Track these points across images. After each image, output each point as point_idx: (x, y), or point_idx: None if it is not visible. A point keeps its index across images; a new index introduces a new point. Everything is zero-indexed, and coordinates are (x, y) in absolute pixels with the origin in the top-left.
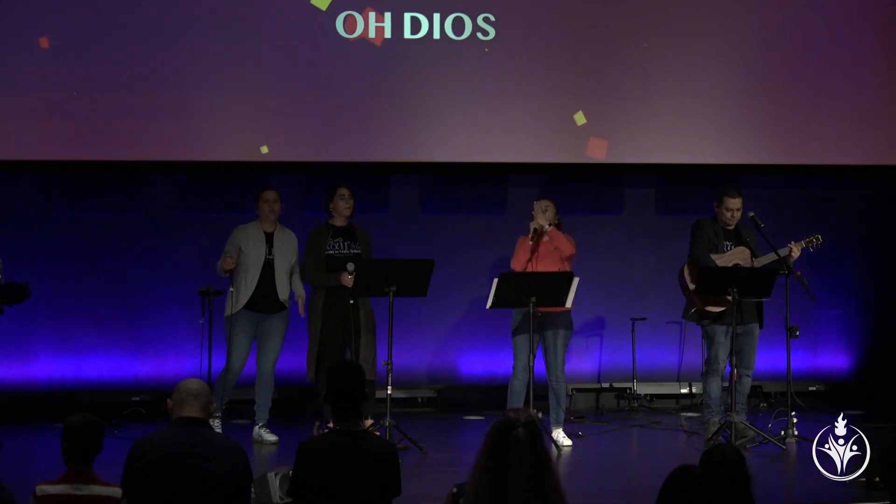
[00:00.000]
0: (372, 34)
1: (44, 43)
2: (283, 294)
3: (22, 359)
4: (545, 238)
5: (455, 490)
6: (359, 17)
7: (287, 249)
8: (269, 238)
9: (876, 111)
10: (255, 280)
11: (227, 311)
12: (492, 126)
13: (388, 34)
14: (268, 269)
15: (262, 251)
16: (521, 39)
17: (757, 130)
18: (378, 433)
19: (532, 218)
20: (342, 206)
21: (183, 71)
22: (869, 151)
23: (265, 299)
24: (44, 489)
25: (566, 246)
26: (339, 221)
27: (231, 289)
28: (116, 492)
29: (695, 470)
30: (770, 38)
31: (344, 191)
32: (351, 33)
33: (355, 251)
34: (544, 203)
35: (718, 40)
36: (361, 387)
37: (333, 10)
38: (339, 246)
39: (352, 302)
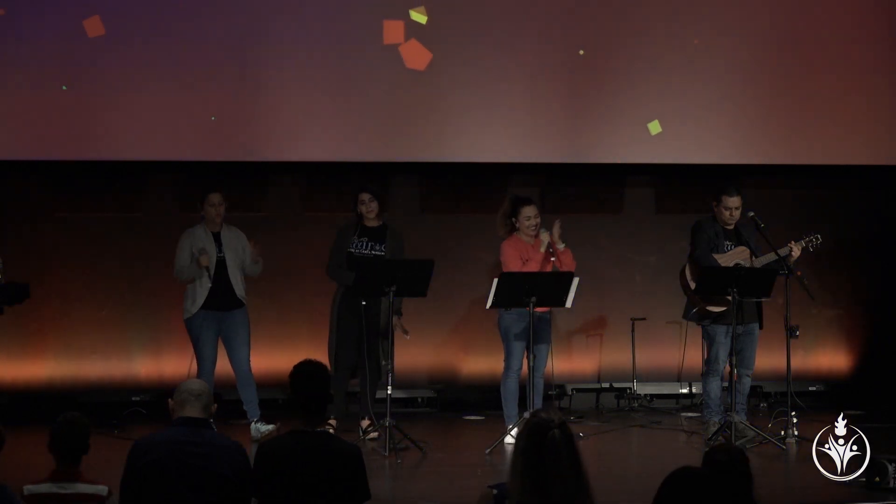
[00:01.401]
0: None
1: (94, 28)
2: (238, 290)
3: (22, 359)
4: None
5: (495, 492)
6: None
7: (236, 246)
8: (217, 237)
9: (876, 112)
10: (209, 279)
11: (186, 314)
12: (492, 126)
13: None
14: (220, 267)
15: (213, 251)
16: (519, 41)
17: (757, 131)
18: (376, 433)
19: (532, 225)
20: (365, 211)
21: (183, 71)
22: (869, 152)
23: (222, 297)
24: (30, 489)
25: (571, 267)
26: (369, 223)
27: (187, 291)
28: (102, 490)
29: (695, 470)
30: (769, 39)
31: (364, 196)
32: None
33: (378, 252)
34: (533, 210)
35: (718, 41)
36: (325, 388)
37: (344, 19)
38: (363, 245)
39: (364, 304)
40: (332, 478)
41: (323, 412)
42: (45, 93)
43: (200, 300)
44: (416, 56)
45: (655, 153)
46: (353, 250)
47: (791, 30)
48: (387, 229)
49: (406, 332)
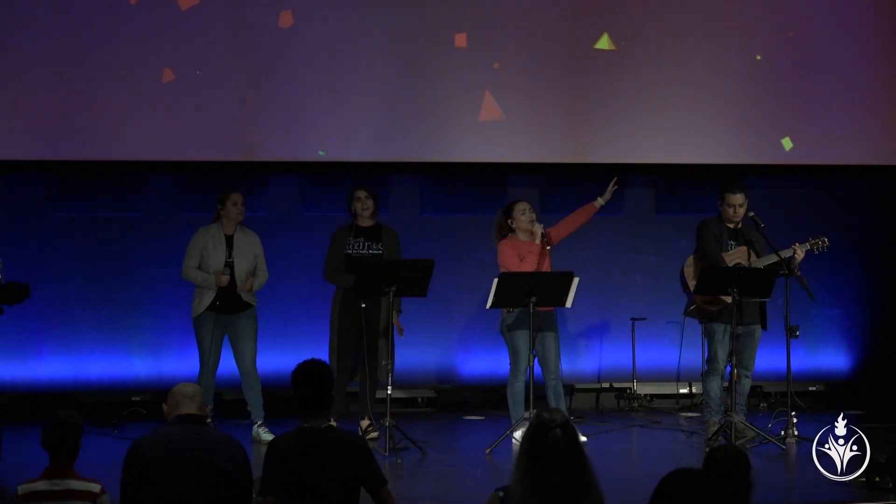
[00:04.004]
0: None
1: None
2: (245, 294)
3: (22, 359)
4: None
5: (501, 494)
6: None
7: (247, 251)
8: (230, 240)
9: (876, 111)
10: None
11: (193, 313)
12: (492, 126)
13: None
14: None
15: (223, 254)
16: (518, 41)
17: (757, 130)
18: (376, 433)
19: (528, 219)
20: (359, 209)
21: (183, 71)
22: (869, 151)
23: (228, 301)
24: (25, 487)
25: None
26: (363, 222)
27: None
28: (94, 487)
29: (690, 472)
30: (770, 38)
31: (360, 193)
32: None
33: (375, 251)
34: (526, 204)
35: (718, 40)
36: (325, 387)
37: (340, 20)
38: (359, 245)
39: (363, 306)
40: (339, 467)
41: (324, 409)
42: (45, 93)
43: (206, 302)
44: (490, 111)
45: (655, 153)
46: (350, 251)
47: (791, 29)
48: (381, 228)
49: (401, 331)
